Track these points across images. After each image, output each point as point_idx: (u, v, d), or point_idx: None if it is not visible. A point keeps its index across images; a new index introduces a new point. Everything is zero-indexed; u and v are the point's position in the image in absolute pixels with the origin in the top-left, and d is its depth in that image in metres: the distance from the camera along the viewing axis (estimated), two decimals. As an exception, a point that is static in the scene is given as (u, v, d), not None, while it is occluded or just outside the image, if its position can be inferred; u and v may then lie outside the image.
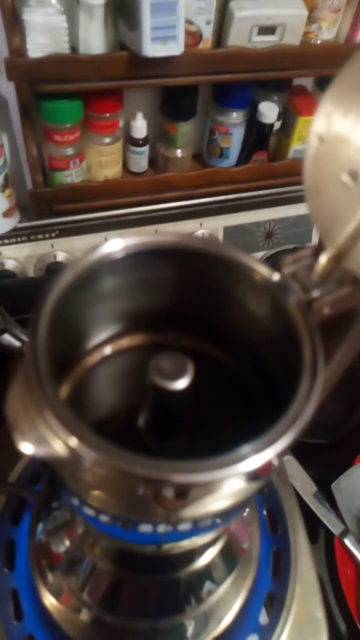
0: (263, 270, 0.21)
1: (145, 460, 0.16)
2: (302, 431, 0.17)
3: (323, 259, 0.20)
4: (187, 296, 0.25)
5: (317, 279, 0.20)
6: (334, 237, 0.20)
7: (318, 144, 0.20)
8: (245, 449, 0.16)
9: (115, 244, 0.21)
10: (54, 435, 0.16)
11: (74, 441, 0.16)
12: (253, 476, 0.18)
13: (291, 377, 0.19)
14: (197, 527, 0.24)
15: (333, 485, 0.54)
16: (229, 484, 0.18)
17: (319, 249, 0.20)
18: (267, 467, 0.17)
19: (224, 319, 0.25)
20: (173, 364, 0.20)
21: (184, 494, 0.18)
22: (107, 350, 0.26)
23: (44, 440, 0.16)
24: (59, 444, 0.16)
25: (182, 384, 0.19)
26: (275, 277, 0.21)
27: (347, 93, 0.19)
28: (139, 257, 0.22)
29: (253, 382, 0.25)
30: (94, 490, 0.21)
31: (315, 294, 0.20)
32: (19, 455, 0.44)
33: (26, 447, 0.16)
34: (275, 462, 0.17)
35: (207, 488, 0.18)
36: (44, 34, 0.53)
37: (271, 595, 0.39)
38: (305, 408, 0.17)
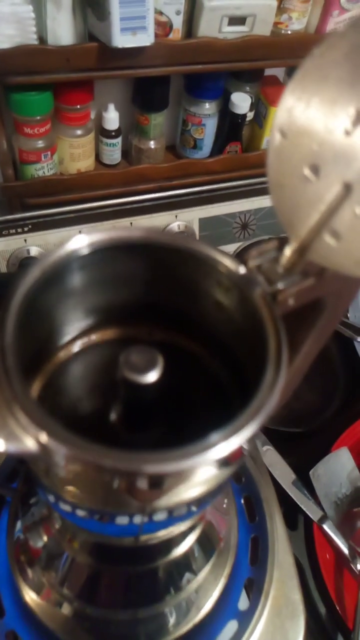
0: (229, 263, 0.22)
1: (115, 452, 0.16)
2: (268, 418, 0.17)
3: (287, 252, 0.20)
4: (157, 290, 0.25)
5: (281, 271, 0.21)
6: (297, 230, 0.20)
7: (280, 137, 0.20)
8: (213, 437, 0.17)
9: (81, 240, 0.21)
10: (24, 432, 0.17)
11: (44, 437, 0.16)
12: (223, 463, 0.19)
13: (258, 367, 0.20)
14: (173, 516, 0.24)
15: (311, 472, 0.55)
16: (201, 471, 0.18)
17: (283, 242, 0.21)
18: (236, 453, 0.17)
19: (194, 311, 0.25)
20: (143, 357, 0.20)
21: (156, 484, 0.18)
22: (79, 345, 0.26)
23: (15, 437, 0.17)
24: (30, 440, 0.17)
25: (152, 377, 0.20)
26: (241, 270, 0.21)
27: (307, 88, 0.19)
28: (106, 253, 0.22)
29: (223, 373, 0.26)
30: (68, 485, 0.21)
31: (280, 285, 0.20)
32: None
33: (-3, 444, 0.16)
34: (245, 447, 0.18)
35: (179, 477, 0.18)
36: (10, 24, 0.52)
37: (250, 581, 0.40)
38: (269, 397, 0.17)
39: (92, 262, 0.22)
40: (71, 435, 0.16)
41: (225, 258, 0.22)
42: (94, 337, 0.26)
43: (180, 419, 0.25)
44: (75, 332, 0.26)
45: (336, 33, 0.18)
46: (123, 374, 0.20)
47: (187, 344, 0.26)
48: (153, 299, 0.25)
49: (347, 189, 0.19)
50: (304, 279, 0.20)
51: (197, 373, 0.27)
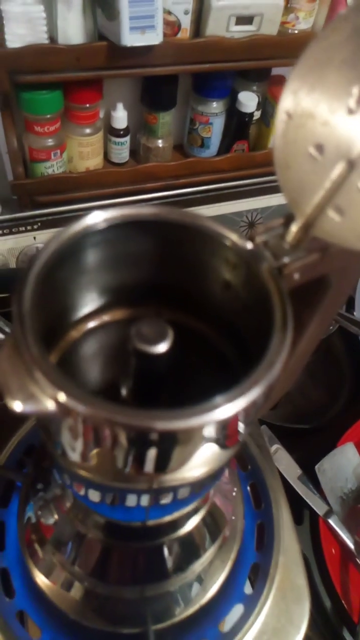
0: (237, 239, 0.22)
1: (128, 409, 0.17)
2: (271, 385, 0.18)
3: (293, 228, 0.21)
4: (167, 270, 0.26)
5: (287, 247, 0.21)
6: (303, 207, 0.21)
7: (286, 119, 0.21)
8: (219, 399, 0.18)
9: (96, 216, 0.22)
10: (42, 393, 0.17)
11: (62, 396, 0.17)
12: (223, 434, 0.19)
13: (264, 342, 0.20)
14: (177, 499, 0.25)
15: (317, 467, 0.56)
16: (206, 439, 0.19)
17: (289, 219, 0.22)
18: (235, 431, 0.18)
19: (202, 291, 0.26)
20: (153, 329, 0.21)
21: (165, 448, 0.19)
22: (90, 324, 0.27)
23: (33, 397, 0.17)
24: (48, 400, 0.17)
25: (162, 347, 0.21)
26: (248, 245, 0.22)
27: (312, 70, 0.20)
28: (119, 230, 0.23)
29: (230, 351, 0.26)
30: (81, 454, 0.22)
31: (286, 260, 0.21)
32: (4, 439, 0.45)
33: (16, 405, 0.17)
34: (243, 426, 0.19)
35: (187, 441, 0.19)
36: (22, 24, 0.53)
37: (255, 566, 0.41)
38: (275, 362, 0.18)
39: (105, 240, 0.23)
40: (86, 394, 0.17)
41: (232, 234, 0.23)
42: (104, 317, 0.27)
43: (188, 394, 0.26)
44: (86, 311, 0.27)
45: (340, 16, 0.19)
46: (134, 345, 0.21)
47: (194, 323, 0.27)
48: (162, 279, 0.26)
49: (351, 166, 0.20)
50: (309, 254, 0.21)
51: (205, 351, 0.27)
